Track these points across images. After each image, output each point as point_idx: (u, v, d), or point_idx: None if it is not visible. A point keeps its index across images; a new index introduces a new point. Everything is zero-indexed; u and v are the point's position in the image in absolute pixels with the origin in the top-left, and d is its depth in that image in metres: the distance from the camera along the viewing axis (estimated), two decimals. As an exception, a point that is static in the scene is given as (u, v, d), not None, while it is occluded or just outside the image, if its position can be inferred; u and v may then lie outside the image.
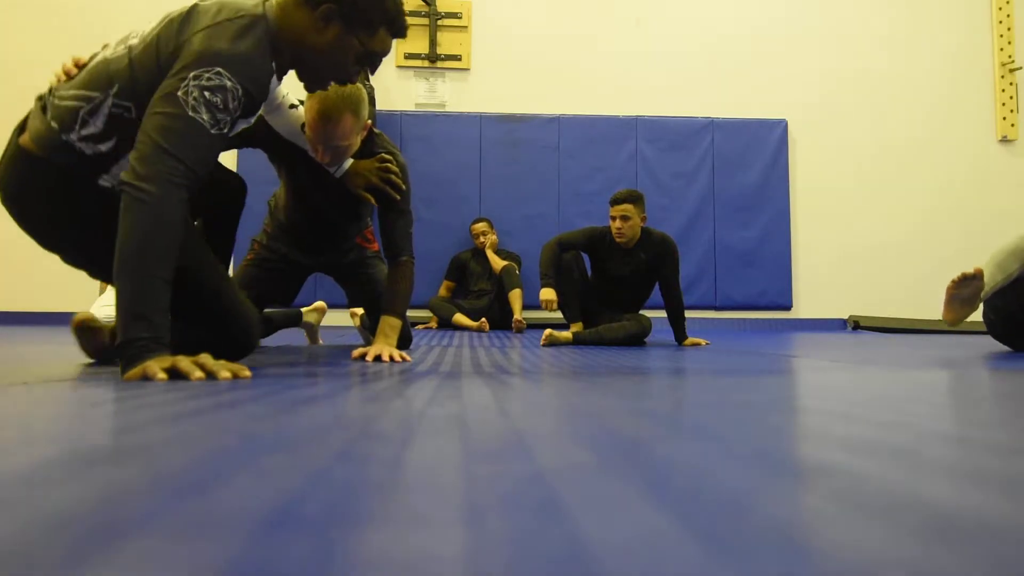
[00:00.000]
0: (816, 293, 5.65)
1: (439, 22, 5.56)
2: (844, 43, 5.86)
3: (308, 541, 0.37)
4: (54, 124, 1.34)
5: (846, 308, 5.64)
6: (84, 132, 1.33)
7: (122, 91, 1.32)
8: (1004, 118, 5.86)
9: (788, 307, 5.60)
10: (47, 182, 1.38)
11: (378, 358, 1.81)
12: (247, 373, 1.26)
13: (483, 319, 4.46)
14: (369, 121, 2.02)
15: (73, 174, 1.37)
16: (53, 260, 1.56)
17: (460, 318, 4.58)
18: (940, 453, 0.65)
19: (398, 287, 2.05)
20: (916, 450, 0.66)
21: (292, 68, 1.49)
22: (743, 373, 1.61)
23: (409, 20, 6.07)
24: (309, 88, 1.54)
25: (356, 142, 1.97)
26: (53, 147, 1.35)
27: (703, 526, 0.41)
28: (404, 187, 2.06)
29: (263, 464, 0.57)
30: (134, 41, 1.36)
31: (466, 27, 5.62)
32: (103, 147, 1.35)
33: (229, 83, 1.26)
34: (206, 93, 1.24)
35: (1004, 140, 5.88)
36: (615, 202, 2.94)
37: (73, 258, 1.52)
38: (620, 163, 5.55)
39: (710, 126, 5.62)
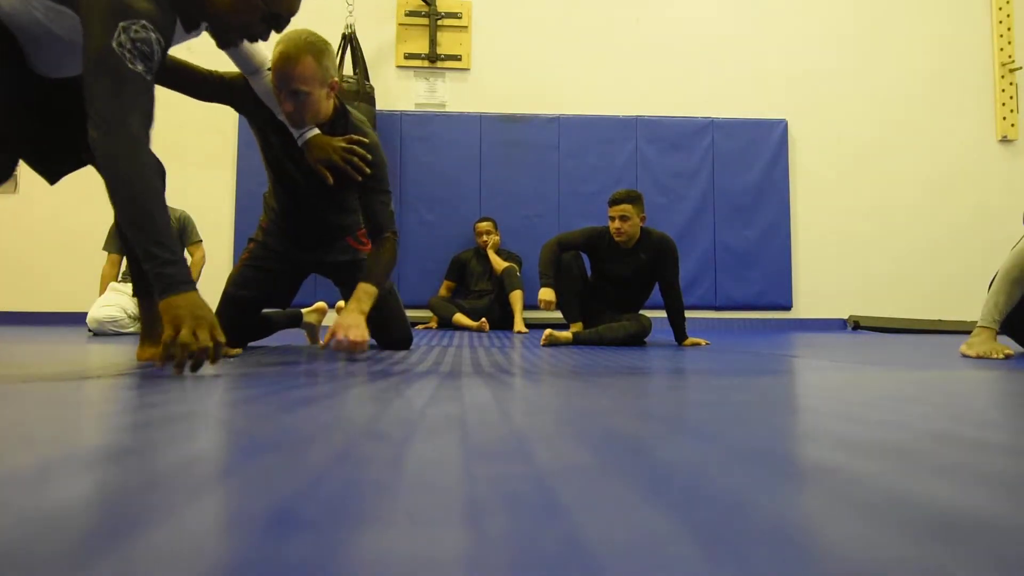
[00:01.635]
0: (816, 293, 5.65)
1: (439, 22, 5.56)
2: (844, 43, 5.86)
3: (308, 541, 0.37)
4: None
5: (846, 308, 5.64)
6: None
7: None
8: (1004, 118, 5.86)
9: (788, 307, 5.60)
10: None
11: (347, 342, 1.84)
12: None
13: (483, 319, 4.46)
14: (335, 79, 2.01)
15: None
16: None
17: (460, 318, 4.58)
18: (940, 453, 0.65)
19: (380, 257, 2.07)
20: (916, 450, 0.66)
21: (205, 22, 1.55)
22: (743, 373, 1.61)
23: (409, 20, 6.03)
24: (220, 45, 1.61)
25: (321, 96, 1.96)
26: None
27: (703, 526, 0.41)
28: (368, 171, 2.05)
29: (263, 464, 0.57)
30: None
31: (466, 27, 5.62)
32: None
33: (153, 35, 1.34)
34: (138, 44, 1.32)
35: (1004, 140, 5.88)
36: (613, 202, 2.94)
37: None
38: (620, 163, 5.55)
39: (710, 126, 5.62)
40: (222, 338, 1.30)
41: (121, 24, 1.29)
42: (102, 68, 1.29)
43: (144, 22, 1.32)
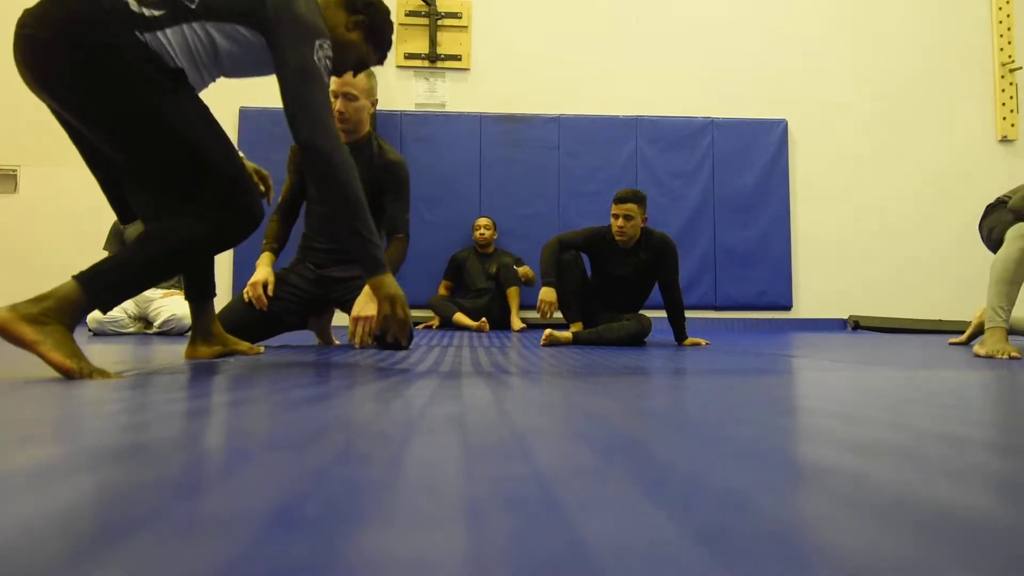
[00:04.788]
0: (816, 293, 5.64)
1: (439, 22, 5.56)
2: (844, 43, 5.85)
3: (308, 541, 0.37)
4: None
5: (846, 308, 5.64)
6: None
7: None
8: (1004, 118, 5.86)
9: (788, 307, 5.60)
10: (90, 12, 1.36)
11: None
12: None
13: (483, 319, 4.47)
14: (376, 98, 2.51)
15: (116, 16, 1.37)
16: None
17: (460, 318, 4.58)
18: (940, 453, 0.65)
19: (391, 252, 2.42)
20: (916, 450, 0.66)
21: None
22: (743, 373, 1.61)
23: (409, 20, 6.03)
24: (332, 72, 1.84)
25: (365, 106, 2.45)
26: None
27: (703, 526, 0.41)
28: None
29: (263, 464, 0.57)
30: None
31: (466, 27, 5.62)
32: (148, 11, 1.40)
33: (330, 53, 1.54)
34: (327, 61, 1.51)
35: (1004, 140, 5.88)
36: (620, 200, 2.94)
37: (81, 112, 1.44)
38: (620, 163, 5.54)
39: (710, 126, 5.62)
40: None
41: (317, 41, 1.48)
42: (309, 77, 1.46)
43: (328, 42, 1.52)
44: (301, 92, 1.45)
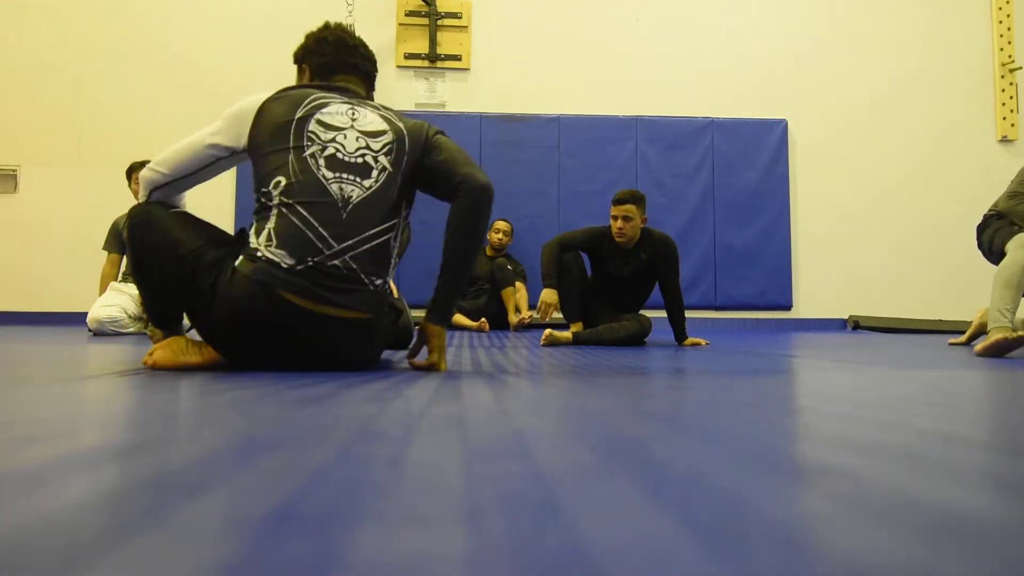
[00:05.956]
0: (816, 293, 5.64)
1: (439, 22, 5.56)
2: (844, 43, 5.86)
3: (308, 541, 0.37)
4: (381, 280, 1.66)
5: (846, 308, 5.64)
6: (393, 261, 1.72)
7: (408, 209, 1.77)
8: (1004, 118, 5.86)
9: (788, 307, 5.60)
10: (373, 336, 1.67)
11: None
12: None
13: (483, 319, 4.47)
14: None
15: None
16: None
17: (460, 318, 4.58)
18: (940, 453, 0.65)
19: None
20: (916, 450, 0.66)
21: None
22: (743, 373, 1.61)
23: (409, 20, 6.03)
24: None
25: None
26: (385, 302, 1.68)
27: (703, 526, 0.41)
28: None
29: (263, 464, 0.57)
30: (381, 164, 1.67)
31: (466, 27, 5.62)
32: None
33: None
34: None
35: (1004, 140, 5.88)
36: (618, 202, 2.94)
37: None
38: (620, 163, 5.54)
39: (710, 126, 5.62)
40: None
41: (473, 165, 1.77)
42: (452, 146, 1.78)
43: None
44: (468, 161, 1.77)
